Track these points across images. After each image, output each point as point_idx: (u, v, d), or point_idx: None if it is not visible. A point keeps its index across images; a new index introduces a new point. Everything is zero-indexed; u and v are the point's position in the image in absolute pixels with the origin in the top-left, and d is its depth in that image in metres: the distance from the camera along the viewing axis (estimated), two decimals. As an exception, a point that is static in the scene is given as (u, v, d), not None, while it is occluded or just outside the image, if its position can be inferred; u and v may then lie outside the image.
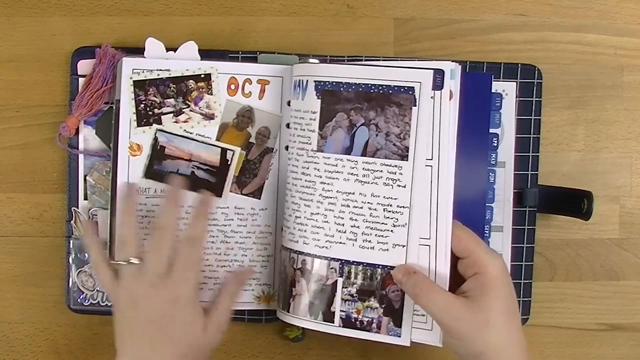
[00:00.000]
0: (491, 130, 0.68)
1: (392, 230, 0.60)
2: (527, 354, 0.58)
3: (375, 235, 0.60)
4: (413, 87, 0.59)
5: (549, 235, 0.72)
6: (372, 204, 0.60)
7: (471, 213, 0.61)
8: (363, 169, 0.60)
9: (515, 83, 0.69)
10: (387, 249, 0.60)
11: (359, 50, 0.70)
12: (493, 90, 0.67)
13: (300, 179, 0.62)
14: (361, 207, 0.61)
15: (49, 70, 0.69)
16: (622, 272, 0.72)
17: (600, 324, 0.72)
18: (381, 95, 0.60)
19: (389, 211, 0.60)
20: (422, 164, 0.59)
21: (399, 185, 0.60)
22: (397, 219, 0.60)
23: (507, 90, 0.69)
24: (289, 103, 0.66)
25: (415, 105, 0.59)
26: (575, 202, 0.67)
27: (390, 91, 0.60)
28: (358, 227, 0.61)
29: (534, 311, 0.70)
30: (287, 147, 0.66)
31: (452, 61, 0.59)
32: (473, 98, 0.60)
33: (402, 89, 0.59)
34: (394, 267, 0.60)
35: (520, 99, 0.69)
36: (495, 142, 0.68)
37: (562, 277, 0.72)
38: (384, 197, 0.60)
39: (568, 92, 0.71)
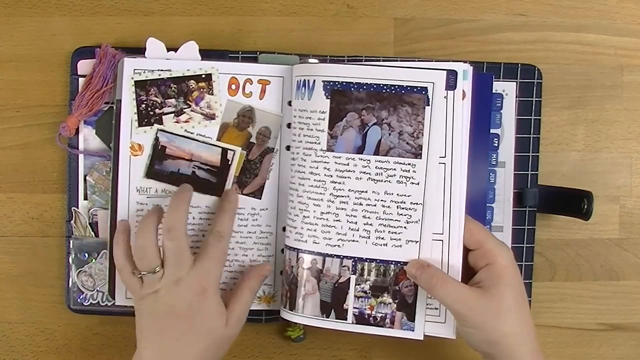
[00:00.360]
0: (492, 131, 0.68)
1: (405, 227, 0.61)
2: (538, 341, 0.59)
3: (389, 232, 0.61)
4: (426, 87, 0.60)
5: (549, 235, 0.72)
6: (385, 201, 0.61)
7: (472, 213, 0.61)
8: (376, 167, 0.61)
9: (515, 83, 0.69)
10: (401, 245, 0.61)
11: (359, 50, 0.70)
12: (493, 91, 0.67)
13: (309, 179, 0.62)
14: (374, 205, 0.61)
15: (49, 70, 0.69)
16: (622, 272, 0.72)
17: (600, 324, 0.72)
18: (393, 95, 0.61)
19: (403, 208, 0.61)
20: (436, 162, 0.60)
21: (413, 183, 0.61)
22: (410, 216, 0.61)
23: (507, 90, 0.69)
24: (289, 103, 0.66)
25: (429, 105, 0.60)
26: (575, 202, 0.67)
27: (403, 91, 0.61)
28: (371, 224, 0.62)
29: (534, 311, 0.70)
30: (287, 147, 0.66)
31: (461, 62, 0.60)
32: (474, 98, 0.61)
33: (415, 89, 0.60)
34: (407, 262, 0.61)
35: (520, 99, 0.69)
36: (496, 142, 0.69)
37: (562, 277, 0.72)
38: (398, 194, 0.61)
39: (568, 92, 0.71)
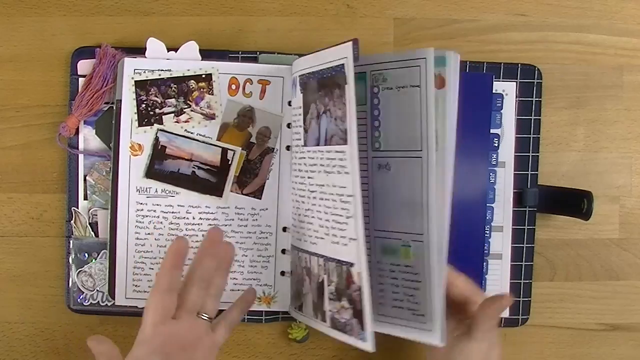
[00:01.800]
0: (492, 131, 0.68)
1: (346, 222, 0.55)
2: None
3: (339, 229, 0.55)
4: (342, 64, 0.54)
5: (549, 235, 0.72)
6: (333, 194, 0.56)
7: (472, 213, 0.61)
8: (326, 158, 0.57)
9: (515, 83, 0.69)
10: (346, 244, 0.55)
11: (359, 50, 0.70)
12: (493, 91, 0.67)
13: (297, 176, 0.62)
14: (328, 199, 0.57)
15: (49, 70, 0.69)
16: (622, 272, 0.72)
17: (600, 324, 0.72)
18: (329, 79, 0.56)
19: (342, 201, 0.55)
20: (356, 147, 0.53)
21: (346, 172, 0.54)
22: (347, 209, 0.54)
23: (507, 90, 0.69)
24: (289, 103, 0.66)
25: (347, 83, 0.54)
26: (575, 202, 0.67)
27: (333, 72, 0.55)
28: (328, 220, 0.57)
29: (534, 311, 0.70)
30: (287, 147, 0.66)
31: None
32: (474, 98, 0.60)
33: (337, 69, 0.55)
34: (353, 263, 0.54)
35: (520, 99, 0.69)
36: (496, 142, 0.69)
37: (562, 277, 0.72)
38: (339, 186, 0.55)
39: (568, 92, 0.71)
